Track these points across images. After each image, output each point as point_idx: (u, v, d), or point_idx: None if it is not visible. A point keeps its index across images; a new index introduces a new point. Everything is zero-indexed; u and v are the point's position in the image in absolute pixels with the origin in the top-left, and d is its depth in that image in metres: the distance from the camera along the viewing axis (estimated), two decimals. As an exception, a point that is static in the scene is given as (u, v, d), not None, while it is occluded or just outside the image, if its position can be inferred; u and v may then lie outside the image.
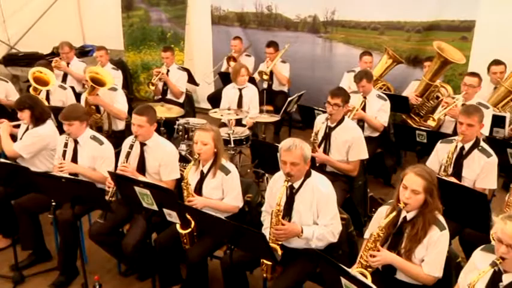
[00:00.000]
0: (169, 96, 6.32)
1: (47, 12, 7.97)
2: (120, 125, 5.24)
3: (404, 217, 2.71)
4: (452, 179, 3.57)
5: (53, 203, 3.28)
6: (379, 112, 5.04)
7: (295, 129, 6.54)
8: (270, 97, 5.90)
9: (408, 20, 6.15)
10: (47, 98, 5.29)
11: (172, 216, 3.04)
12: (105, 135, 4.28)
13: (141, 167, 3.65)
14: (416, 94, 5.47)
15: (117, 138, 4.83)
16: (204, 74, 7.34)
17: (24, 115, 4.00)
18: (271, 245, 2.95)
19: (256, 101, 5.59)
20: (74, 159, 3.78)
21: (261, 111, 5.50)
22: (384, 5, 6.24)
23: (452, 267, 2.77)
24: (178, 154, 3.80)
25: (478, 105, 3.94)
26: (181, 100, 6.33)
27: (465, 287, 2.35)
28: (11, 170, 3.52)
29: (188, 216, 3.15)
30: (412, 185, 2.62)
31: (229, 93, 5.64)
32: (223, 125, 5.32)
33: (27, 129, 4.08)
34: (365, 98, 5.00)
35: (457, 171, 3.64)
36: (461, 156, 3.65)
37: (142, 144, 3.63)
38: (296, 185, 3.05)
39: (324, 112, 4.33)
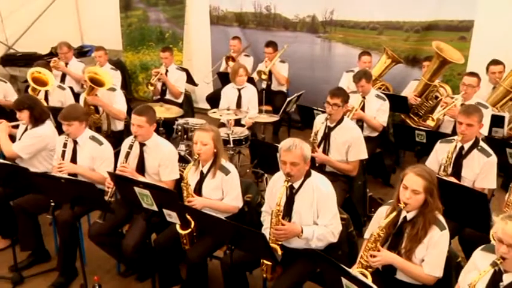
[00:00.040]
0: (168, 96, 6.32)
1: (45, 12, 7.94)
2: (119, 125, 5.23)
3: (405, 217, 2.72)
4: (452, 179, 3.57)
5: (52, 204, 3.27)
6: (378, 112, 5.04)
7: (294, 129, 6.52)
8: (268, 97, 5.89)
9: (407, 20, 6.15)
10: (46, 99, 5.27)
11: (172, 216, 3.04)
12: (104, 136, 4.27)
13: (141, 168, 3.65)
14: (415, 94, 5.48)
15: (116, 139, 4.84)
16: (203, 74, 7.33)
17: (23, 115, 3.99)
18: (271, 245, 2.94)
19: (255, 101, 5.59)
20: (73, 160, 3.77)
21: (260, 111, 5.50)
22: (383, 5, 6.24)
23: (452, 267, 2.77)
24: (177, 154, 3.79)
25: (477, 105, 3.95)
26: (180, 100, 6.33)
27: (465, 287, 2.35)
28: (10, 171, 3.52)
29: (188, 217, 3.15)
30: (412, 185, 2.62)
31: (228, 93, 5.64)
32: (222, 125, 5.32)
33: (26, 129, 4.07)
34: (364, 98, 5.00)
35: (457, 171, 3.65)
36: (460, 156, 3.65)
37: (142, 145, 3.63)
38: (296, 185, 3.05)
39: (323, 112, 4.33)
